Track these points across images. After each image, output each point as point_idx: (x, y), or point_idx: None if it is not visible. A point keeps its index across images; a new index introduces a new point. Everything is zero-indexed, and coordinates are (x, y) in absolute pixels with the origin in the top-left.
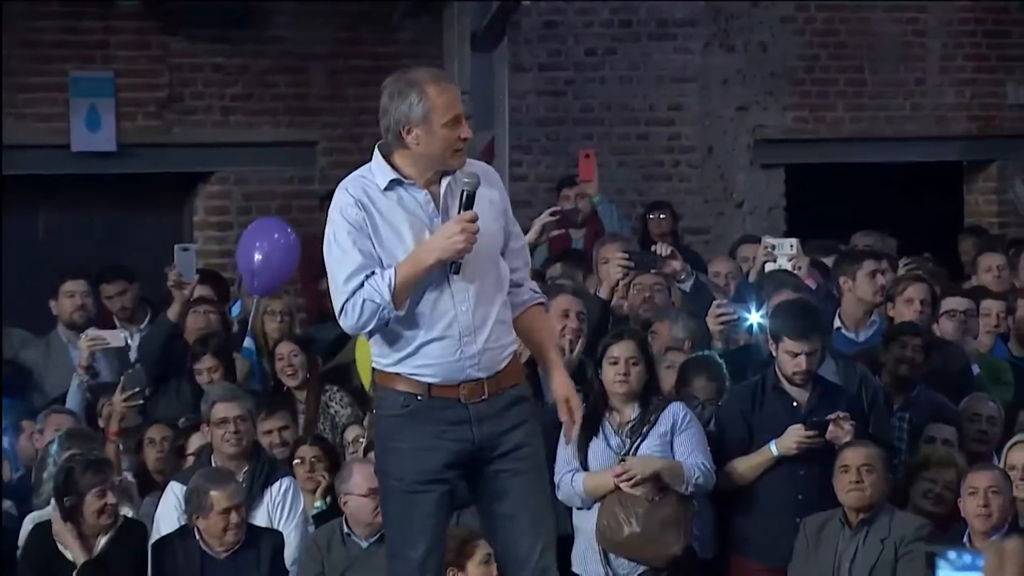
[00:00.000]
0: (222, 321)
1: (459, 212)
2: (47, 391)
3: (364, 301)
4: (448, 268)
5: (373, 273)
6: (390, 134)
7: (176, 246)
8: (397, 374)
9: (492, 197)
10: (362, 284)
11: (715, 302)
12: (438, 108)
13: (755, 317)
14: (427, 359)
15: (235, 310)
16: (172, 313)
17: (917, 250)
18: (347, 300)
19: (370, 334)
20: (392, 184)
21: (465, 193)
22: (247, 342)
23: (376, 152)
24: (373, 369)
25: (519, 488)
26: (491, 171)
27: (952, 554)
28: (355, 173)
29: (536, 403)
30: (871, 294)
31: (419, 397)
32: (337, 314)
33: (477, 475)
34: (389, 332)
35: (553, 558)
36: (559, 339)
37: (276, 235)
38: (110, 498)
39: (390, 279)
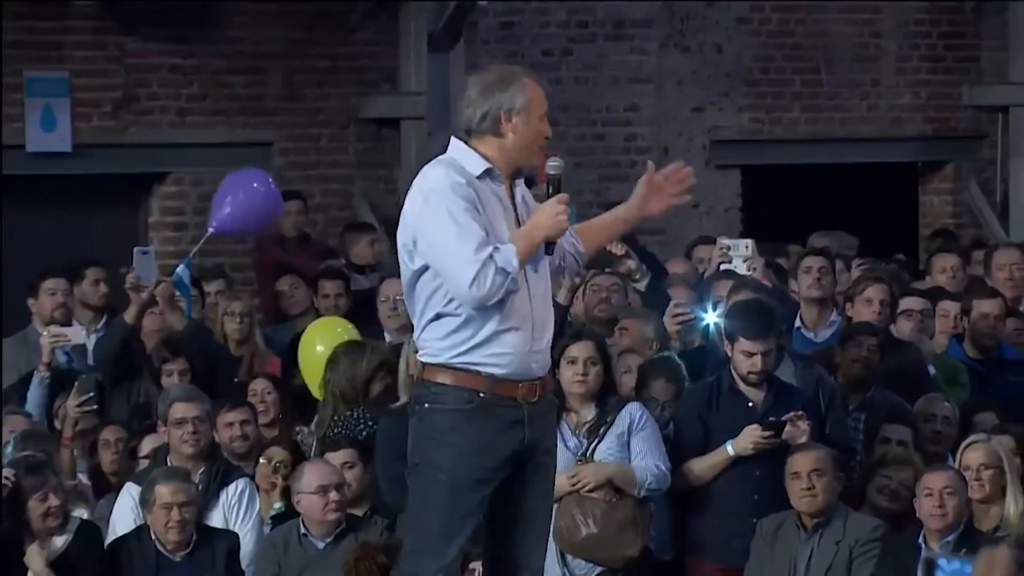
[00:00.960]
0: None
1: (547, 196)
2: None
3: (497, 270)
4: (545, 249)
5: (496, 246)
6: (487, 121)
7: (135, 249)
8: (461, 368)
9: (527, 195)
10: (491, 256)
11: (672, 302)
12: (535, 100)
13: (712, 317)
14: (503, 347)
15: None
16: (129, 316)
17: (873, 251)
18: (480, 269)
19: (429, 321)
20: (485, 174)
21: (553, 177)
22: (181, 270)
23: (459, 142)
24: (426, 364)
25: (542, 490)
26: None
27: (943, 561)
28: (442, 158)
29: None
30: (804, 287)
31: (481, 394)
32: (467, 285)
33: (519, 474)
34: (467, 319)
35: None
36: None
37: (257, 185)
38: (53, 500)
39: (514, 250)
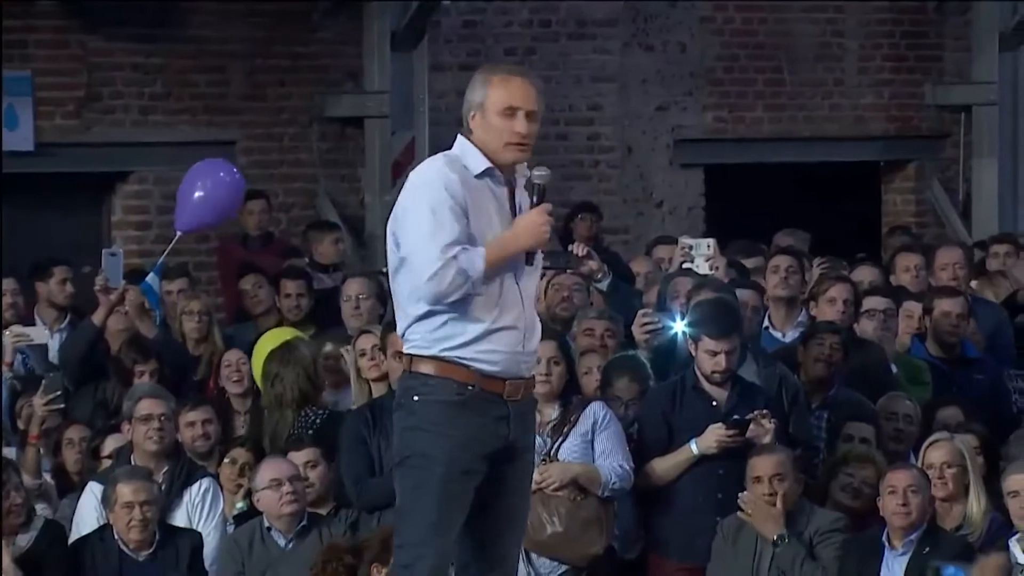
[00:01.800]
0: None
1: (531, 206)
2: None
3: (458, 271)
4: (525, 258)
5: (466, 248)
6: (465, 118)
7: (103, 251)
8: (451, 361)
9: (524, 196)
10: (455, 256)
11: (640, 311)
12: (494, 97)
13: (679, 326)
14: (494, 345)
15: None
16: (97, 318)
17: (835, 250)
18: (441, 267)
19: (424, 315)
20: (485, 172)
21: (537, 187)
22: (151, 278)
23: (463, 138)
24: (414, 357)
25: (521, 488)
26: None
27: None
28: (444, 154)
29: None
30: (771, 286)
31: (470, 387)
32: (425, 279)
33: (500, 471)
34: (462, 315)
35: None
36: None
37: (223, 175)
38: (15, 498)
39: (483, 254)
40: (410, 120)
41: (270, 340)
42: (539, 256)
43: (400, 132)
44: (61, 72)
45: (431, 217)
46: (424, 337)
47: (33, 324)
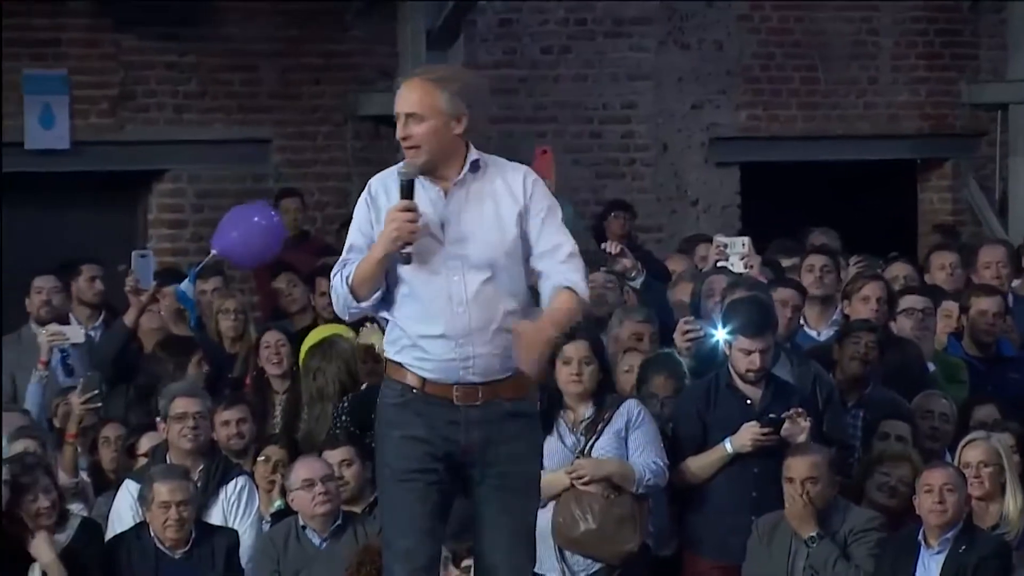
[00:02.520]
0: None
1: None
2: (19, 388)
3: (333, 292)
4: (401, 260)
5: (346, 264)
6: None
7: (133, 252)
8: (399, 364)
9: (500, 199)
10: (337, 273)
11: (682, 319)
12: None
13: (721, 334)
14: (424, 354)
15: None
16: (128, 319)
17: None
18: (332, 286)
19: (360, 321)
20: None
21: (402, 184)
22: (185, 285)
23: None
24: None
25: (502, 502)
26: (522, 174)
27: None
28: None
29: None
30: (806, 285)
31: (414, 390)
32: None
33: (468, 478)
34: (396, 320)
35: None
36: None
37: (256, 218)
38: (43, 501)
39: (349, 272)
40: None
41: (316, 337)
42: (408, 257)
43: None
44: (95, 71)
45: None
46: (385, 340)
47: (69, 323)
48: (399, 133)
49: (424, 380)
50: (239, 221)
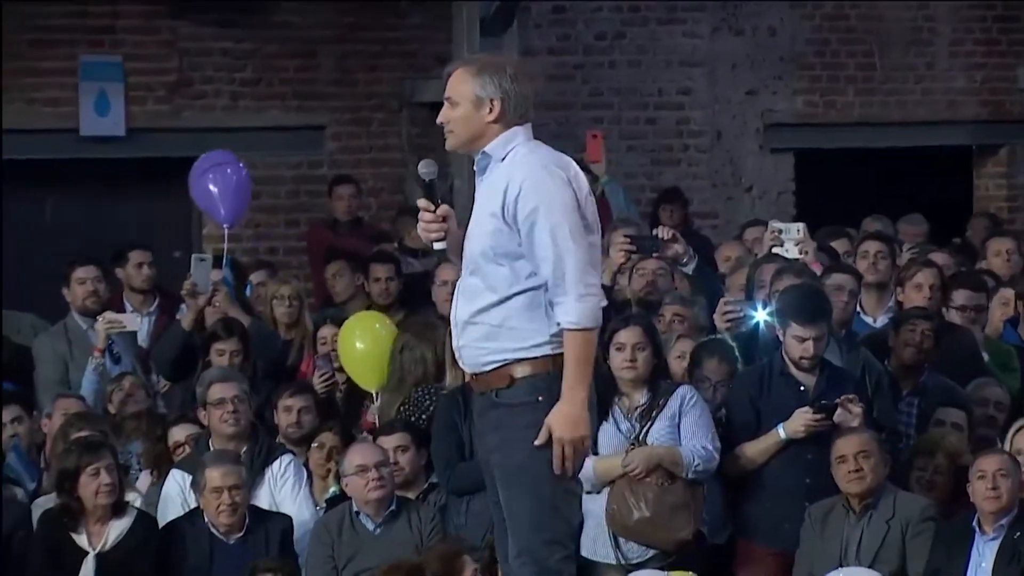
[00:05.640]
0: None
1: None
2: (72, 380)
3: None
4: (437, 255)
5: None
6: None
7: (193, 256)
8: None
9: (493, 192)
10: None
11: (722, 299)
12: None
13: (762, 315)
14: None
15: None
16: (186, 322)
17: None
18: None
19: None
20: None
21: (422, 182)
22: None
23: None
24: None
25: (501, 489)
26: (518, 180)
27: None
28: None
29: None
30: (861, 271)
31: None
32: None
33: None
34: None
35: (525, 564)
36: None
37: (224, 167)
38: (105, 477)
39: None
40: None
41: (357, 325)
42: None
43: None
44: (152, 58)
45: None
46: None
47: (123, 311)
48: (440, 117)
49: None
50: (203, 183)
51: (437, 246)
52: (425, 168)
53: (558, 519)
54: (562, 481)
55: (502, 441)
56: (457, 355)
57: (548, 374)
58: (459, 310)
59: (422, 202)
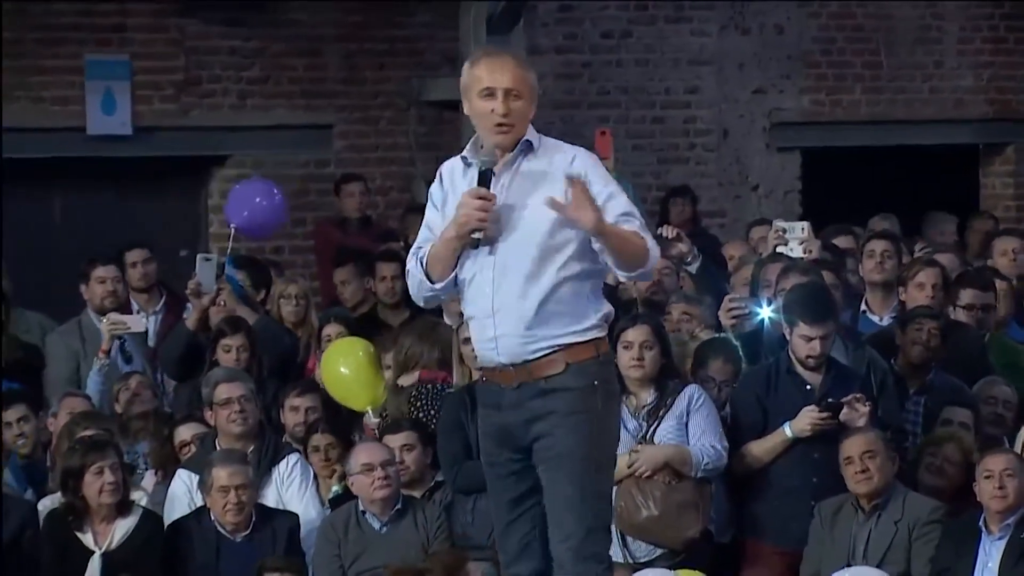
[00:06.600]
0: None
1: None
2: (83, 377)
3: (410, 275)
4: (469, 244)
5: (421, 248)
6: None
7: (198, 256)
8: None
9: (545, 183)
10: (414, 256)
11: (727, 296)
12: (472, 79)
13: (767, 312)
14: (472, 335)
15: None
16: (190, 322)
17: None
18: (409, 271)
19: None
20: (466, 161)
21: (481, 172)
22: (228, 268)
23: None
24: None
25: (544, 480)
26: (571, 155)
27: None
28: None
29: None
30: (868, 270)
31: (483, 379)
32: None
33: (521, 461)
34: (461, 305)
35: (572, 549)
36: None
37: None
38: (108, 476)
39: (424, 254)
40: None
41: (340, 351)
42: (477, 243)
43: None
44: (159, 56)
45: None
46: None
47: (130, 311)
48: (500, 108)
49: (482, 367)
50: (247, 200)
51: (476, 235)
52: (486, 156)
53: (603, 505)
54: (608, 471)
55: (553, 426)
56: (489, 345)
57: (597, 358)
58: (497, 297)
59: (479, 190)
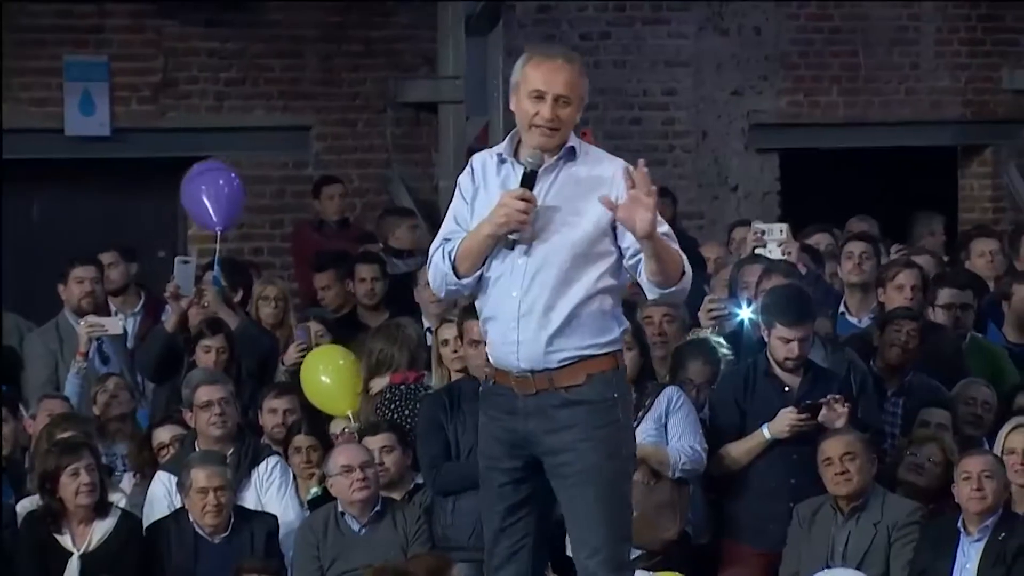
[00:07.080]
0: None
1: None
2: (62, 378)
3: (434, 266)
4: (504, 244)
5: (449, 240)
6: None
7: (176, 258)
8: (488, 355)
9: (589, 186)
10: (439, 249)
11: (707, 297)
12: (525, 78)
13: (746, 312)
14: (489, 336)
15: None
16: (169, 325)
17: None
18: (430, 262)
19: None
20: (502, 158)
21: (526, 174)
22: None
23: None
24: None
25: (564, 494)
26: (614, 167)
27: None
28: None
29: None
30: (846, 272)
31: (491, 382)
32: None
33: (531, 467)
34: (479, 305)
35: (604, 561)
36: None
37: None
38: (84, 477)
39: (453, 248)
40: (484, 105)
41: (320, 359)
42: (513, 244)
43: (474, 117)
44: (137, 57)
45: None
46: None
47: (109, 314)
48: (546, 113)
49: (494, 368)
50: (202, 199)
51: (513, 236)
52: (532, 158)
53: (627, 514)
54: (629, 479)
55: (577, 440)
56: (510, 350)
57: (616, 370)
58: (524, 302)
59: (523, 191)
